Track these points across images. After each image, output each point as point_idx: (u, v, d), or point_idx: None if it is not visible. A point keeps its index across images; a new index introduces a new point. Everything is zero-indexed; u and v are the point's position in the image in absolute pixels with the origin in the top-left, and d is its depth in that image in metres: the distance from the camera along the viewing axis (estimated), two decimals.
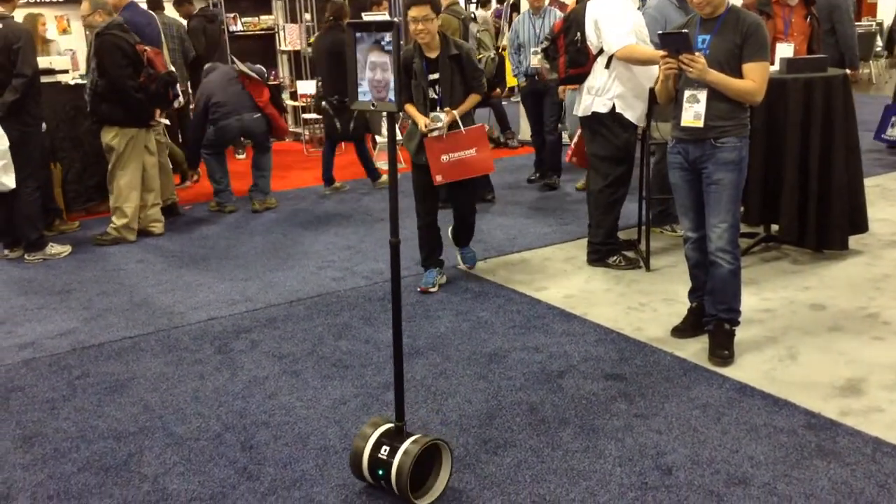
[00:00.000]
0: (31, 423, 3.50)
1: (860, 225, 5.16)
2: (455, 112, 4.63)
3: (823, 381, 3.55)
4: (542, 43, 5.67)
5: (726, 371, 3.66)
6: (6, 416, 3.58)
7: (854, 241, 5.21)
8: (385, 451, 2.75)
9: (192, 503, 2.87)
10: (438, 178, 4.63)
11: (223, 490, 2.94)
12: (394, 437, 2.78)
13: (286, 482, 2.97)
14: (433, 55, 4.60)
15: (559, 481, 2.89)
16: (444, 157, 4.59)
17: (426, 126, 4.57)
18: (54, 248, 5.96)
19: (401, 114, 4.74)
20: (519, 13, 8.14)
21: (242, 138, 7.99)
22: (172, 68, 6.84)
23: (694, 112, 3.68)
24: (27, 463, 3.19)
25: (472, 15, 7.43)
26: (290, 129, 10.90)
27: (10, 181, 5.52)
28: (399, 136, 8.60)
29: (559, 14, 6.75)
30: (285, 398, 3.62)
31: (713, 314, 3.84)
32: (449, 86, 4.62)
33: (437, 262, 4.95)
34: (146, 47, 6.06)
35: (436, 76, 4.62)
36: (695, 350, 3.88)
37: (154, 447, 3.26)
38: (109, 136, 6.11)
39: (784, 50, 5.81)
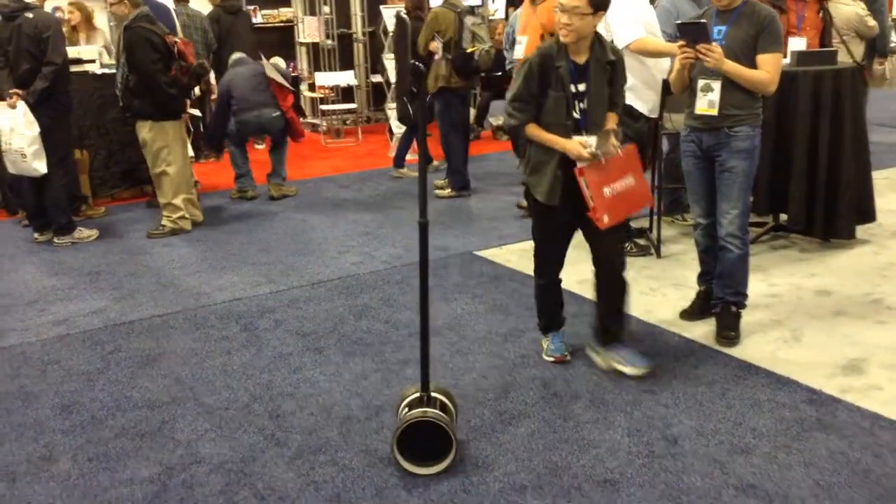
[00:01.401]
0: (69, 393, 3.69)
1: (868, 215, 5.28)
2: (613, 134, 3.49)
3: (826, 361, 3.69)
4: None
5: (732, 351, 3.81)
6: (44, 386, 3.77)
7: (862, 230, 5.33)
8: (404, 411, 2.98)
9: (224, 465, 3.04)
10: (605, 220, 3.40)
11: (253, 454, 3.12)
12: (415, 403, 2.99)
13: (312, 448, 3.14)
14: (581, 59, 3.42)
15: (570, 449, 3.05)
16: (607, 191, 3.39)
17: (587, 151, 3.34)
18: (83, 233, 6.16)
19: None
20: (516, 8, 8.17)
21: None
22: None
23: (708, 100, 3.81)
24: (66, 429, 3.37)
25: (470, 8, 7.48)
26: (309, 120, 11.10)
27: (41, 166, 5.72)
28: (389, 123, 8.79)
29: None
30: (309, 372, 3.79)
31: (721, 297, 3.98)
32: (598, 102, 3.47)
33: (561, 323, 3.92)
34: (176, 38, 6.07)
35: (583, 87, 3.43)
36: (702, 332, 4.03)
37: (186, 416, 3.44)
38: (145, 131, 6.06)
39: (796, 44, 5.91)
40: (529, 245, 5.55)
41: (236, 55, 7.64)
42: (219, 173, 8.49)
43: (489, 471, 2.94)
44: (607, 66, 3.45)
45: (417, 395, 3.02)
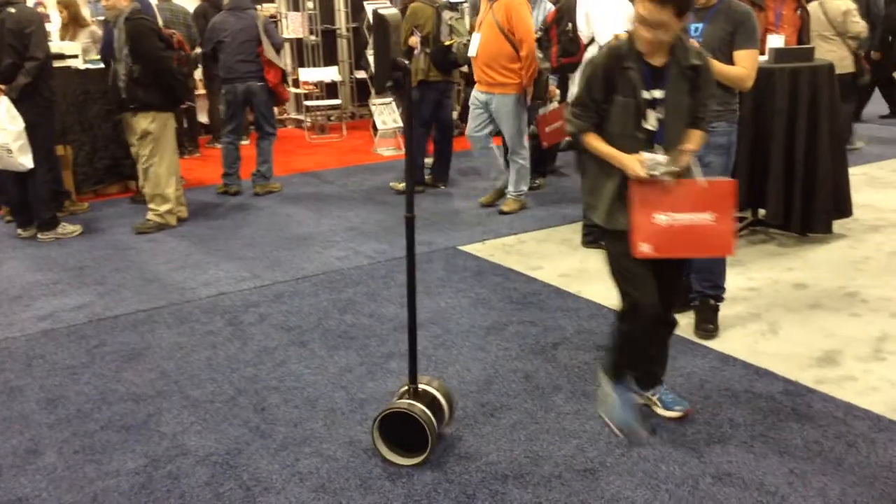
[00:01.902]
0: (54, 387, 3.71)
1: (844, 210, 5.37)
2: (689, 152, 2.95)
3: (802, 352, 3.76)
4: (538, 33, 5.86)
5: (711, 343, 3.88)
6: (29, 380, 3.79)
7: (838, 225, 5.42)
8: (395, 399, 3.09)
9: (210, 457, 3.08)
10: (643, 249, 2.88)
11: (238, 446, 3.15)
12: (404, 395, 3.06)
13: (297, 439, 3.18)
14: (658, 62, 2.88)
15: (551, 439, 3.11)
16: (661, 218, 2.86)
17: (644, 170, 2.82)
18: (66, 228, 6.16)
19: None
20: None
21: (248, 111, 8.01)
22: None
23: None
24: (52, 422, 3.39)
25: (449, 3, 7.50)
26: (293, 117, 11.12)
27: (28, 161, 5.72)
28: (377, 119, 8.81)
29: (549, 6, 6.35)
30: (294, 366, 3.82)
31: (699, 291, 4.05)
32: (676, 113, 2.92)
33: (655, 379, 3.29)
34: (172, 31, 6.13)
35: (659, 94, 2.88)
36: (682, 324, 4.06)
37: (172, 409, 3.47)
38: (147, 122, 6.06)
39: (775, 41, 6.00)
40: (513, 240, 5.66)
41: None
42: (203, 169, 8.52)
43: (471, 461, 2.99)
44: (689, 72, 2.90)
45: (406, 387, 3.06)
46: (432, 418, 2.97)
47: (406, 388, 3.07)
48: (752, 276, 4.76)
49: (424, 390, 3.06)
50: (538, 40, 5.41)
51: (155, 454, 3.12)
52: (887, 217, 5.83)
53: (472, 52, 6.11)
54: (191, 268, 5.31)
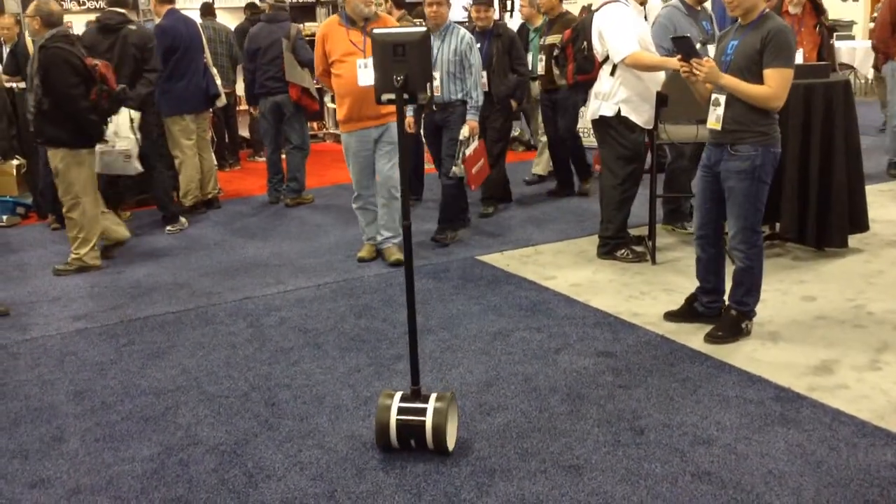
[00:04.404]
0: (83, 381, 3.96)
1: (860, 225, 5.38)
2: None
3: (799, 361, 3.83)
4: (446, 67, 5.65)
5: (710, 351, 3.96)
6: (61, 374, 4.05)
7: (856, 240, 5.44)
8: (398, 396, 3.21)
9: (219, 447, 3.28)
10: None
11: (246, 438, 3.35)
12: (406, 396, 3.20)
13: (302, 433, 3.37)
14: None
15: (541, 437, 3.24)
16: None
17: None
18: (181, 221, 6.93)
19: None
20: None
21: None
22: (213, 70, 7.41)
23: (716, 115, 3.89)
24: (78, 413, 3.64)
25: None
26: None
27: (139, 165, 6.28)
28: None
29: (463, 33, 5.75)
30: (307, 365, 4.02)
31: (731, 301, 4.12)
32: None
33: None
34: (97, 61, 5.58)
35: None
36: (684, 333, 4.19)
37: (189, 402, 3.68)
38: (58, 159, 5.53)
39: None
40: (531, 251, 5.79)
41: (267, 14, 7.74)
42: (242, 181, 8.84)
43: (463, 456, 3.13)
44: None
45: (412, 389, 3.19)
46: (389, 429, 3.08)
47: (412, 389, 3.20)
48: (763, 287, 4.80)
49: (426, 395, 3.14)
50: (555, 58, 5.56)
51: (169, 443, 3.33)
52: None
53: (366, 83, 5.02)
54: (220, 273, 5.56)
